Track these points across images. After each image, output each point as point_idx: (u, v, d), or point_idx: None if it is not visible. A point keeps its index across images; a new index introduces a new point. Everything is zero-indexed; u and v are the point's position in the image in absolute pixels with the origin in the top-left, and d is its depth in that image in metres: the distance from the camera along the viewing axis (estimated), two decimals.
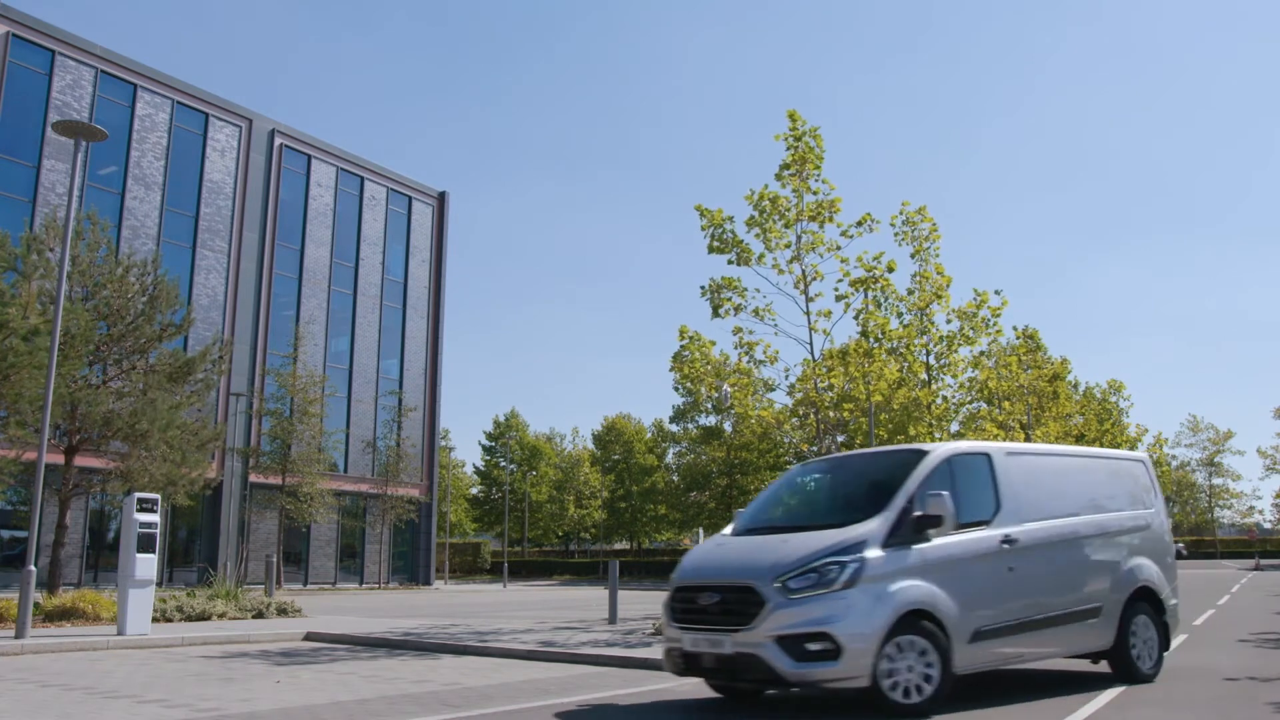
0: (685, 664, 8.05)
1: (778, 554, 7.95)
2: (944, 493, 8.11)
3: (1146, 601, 9.70)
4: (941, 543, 8.12)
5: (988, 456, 9.09)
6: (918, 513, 8.05)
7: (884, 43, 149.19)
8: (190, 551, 37.81)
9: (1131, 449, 48.89)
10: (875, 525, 7.96)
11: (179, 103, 37.87)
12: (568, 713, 8.19)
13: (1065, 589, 9.02)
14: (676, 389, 60.55)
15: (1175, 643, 13.55)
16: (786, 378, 17.82)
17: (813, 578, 7.66)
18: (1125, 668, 9.44)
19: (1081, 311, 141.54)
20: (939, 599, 7.88)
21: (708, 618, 7.90)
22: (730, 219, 17.06)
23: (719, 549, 8.58)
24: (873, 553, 7.80)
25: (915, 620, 7.72)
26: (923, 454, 8.76)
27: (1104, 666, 9.88)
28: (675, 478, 65.94)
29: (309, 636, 15.19)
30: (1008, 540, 8.58)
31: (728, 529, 9.19)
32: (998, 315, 22.74)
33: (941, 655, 7.74)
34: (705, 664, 7.90)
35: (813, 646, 7.43)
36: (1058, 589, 8.93)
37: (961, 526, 8.37)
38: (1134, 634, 9.48)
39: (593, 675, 10.71)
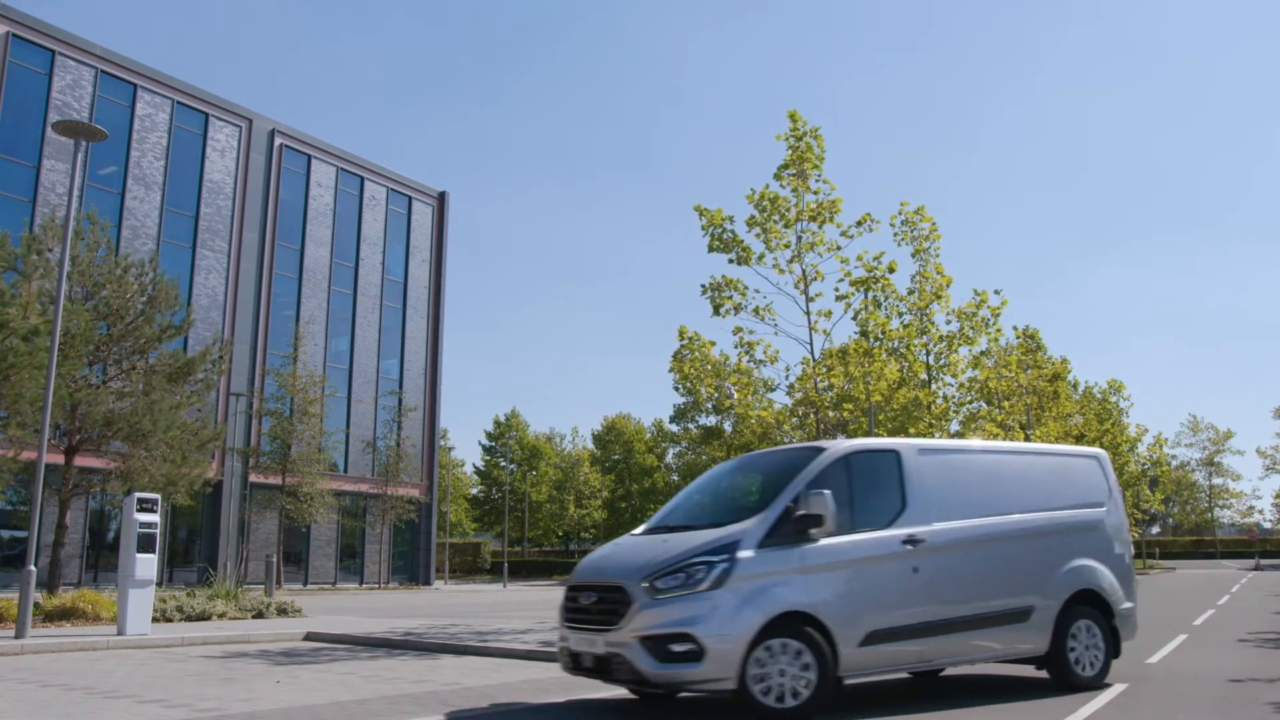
0: (572, 663, 8.06)
1: (653, 554, 7.88)
2: (825, 492, 7.84)
3: (1091, 605, 9.26)
4: (830, 543, 7.91)
5: (896, 454, 8.78)
6: (800, 512, 7.82)
7: (884, 43, 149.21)
8: (190, 551, 37.81)
9: (1132, 449, 48.95)
10: (752, 525, 7.82)
11: (179, 103, 37.87)
12: (568, 712, 8.19)
13: (986, 591, 8.65)
14: (677, 389, 60.63)
15: (1175, 643, 13.59)
16: (786, 377, 17.85)
17: (680, 578, 7.56)
18: (1062, 674, 9.00)
19: (1081, 311, 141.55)
20: (821, 601, 7.68)
21: (588, 617, 7.90)
22: (730, 219, 17.08)
23: (614, 548, 8.49)
24: (745, 553, 7.64)
25: (791, 623, 7.52)
26: (818, 451, 8.49)
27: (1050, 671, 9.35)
28: (675, 477, 65.97)
29: (309, 636, 15.18)
30: (911, 540, 8.30)
31: (639, 528, 9.05)
32: (997, 315, 22.76)
33: (820, 659, 7.52)
34: (584, 663, 7.88)
35: (676, 648, 7.32)
36: (977, 591, 8.58)
37: (860, 526, 8.21)
38: (1074, 639, 9.06)
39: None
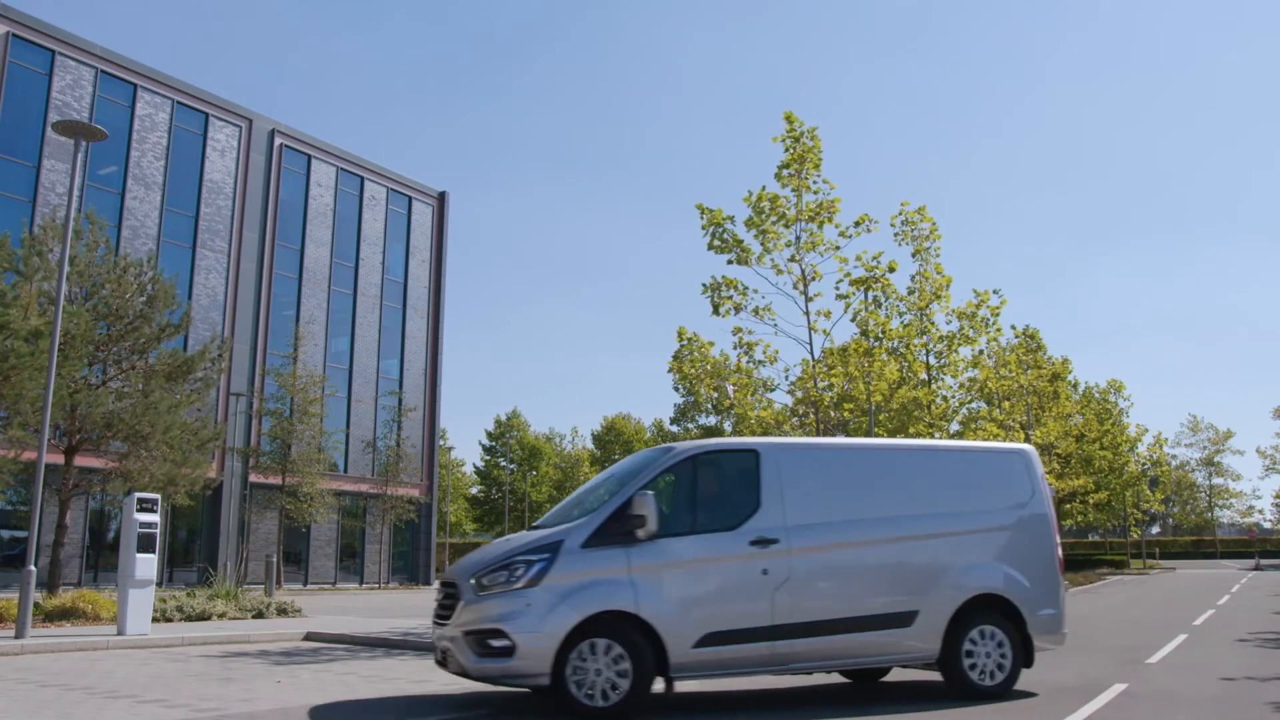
0: (439, 656, 8.38)
1: (490, 552, 8.15)
2: (648, 493, 7.89)
3: (997, 610, 8.75)
4: (663, 544, 7.93)
5: (755, 454, 8.61)
6: (629, 513, 7.87)
7: (884, 43, 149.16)
8: (190, 551, 37.81)
9: (1132, 449, 48.92)
10: (579, 524, 7.97)
11: (179, 103, 37.87)
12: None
13: (858, 594, 8.39)
14: (676, 389, 60.58)
15: (1175, 643, 13.59)
16: (786, 378, 17.86)
17: (503, 575, 7.77)
18: (957, 681, 8.60)
19: (1081, 311, 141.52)
20: (648, 600, 7.70)
21: (440, 612, 8.34)
22: (730, 219, 17.09)
23: (489, 545, 8.65)
24: (567, 553, 7.79)
25: (610, 622, 7.60)
26: (666, 452, 8.50)
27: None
28: None
29: (309, 636, 15.19)
30: (761, 541, 8.16)
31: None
32: (997, 315, 22.77)
33: (637, 660, 7.57)
34: (438, 657, 8.38)
35: (494, 643, 7.56)
36: (845, 593, 8.35)
37: (702, 527, 8.24)
38: (973, 645, 8.61)
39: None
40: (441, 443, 60.28)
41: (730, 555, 8.12)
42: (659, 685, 8.07)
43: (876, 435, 20.15)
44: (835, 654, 8.32)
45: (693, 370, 17.16)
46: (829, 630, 8.22)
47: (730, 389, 17.27)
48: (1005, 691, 8.63)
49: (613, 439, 74.15)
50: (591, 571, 7.76)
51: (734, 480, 8.64)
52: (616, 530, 7.89)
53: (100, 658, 12.08)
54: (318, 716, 7.88)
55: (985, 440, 25.17)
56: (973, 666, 8.61)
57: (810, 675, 9.70)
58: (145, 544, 14.53)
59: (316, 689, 9.46)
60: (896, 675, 10.29)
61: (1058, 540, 9.30)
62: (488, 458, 75.47)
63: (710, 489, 8.61)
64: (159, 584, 17.45)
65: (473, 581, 7.89)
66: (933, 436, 21.57)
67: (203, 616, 17.07)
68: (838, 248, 17.07)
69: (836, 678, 10.28)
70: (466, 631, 7.75)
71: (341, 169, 44.52)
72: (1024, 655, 8.83)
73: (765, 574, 8.09)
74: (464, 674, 7.85)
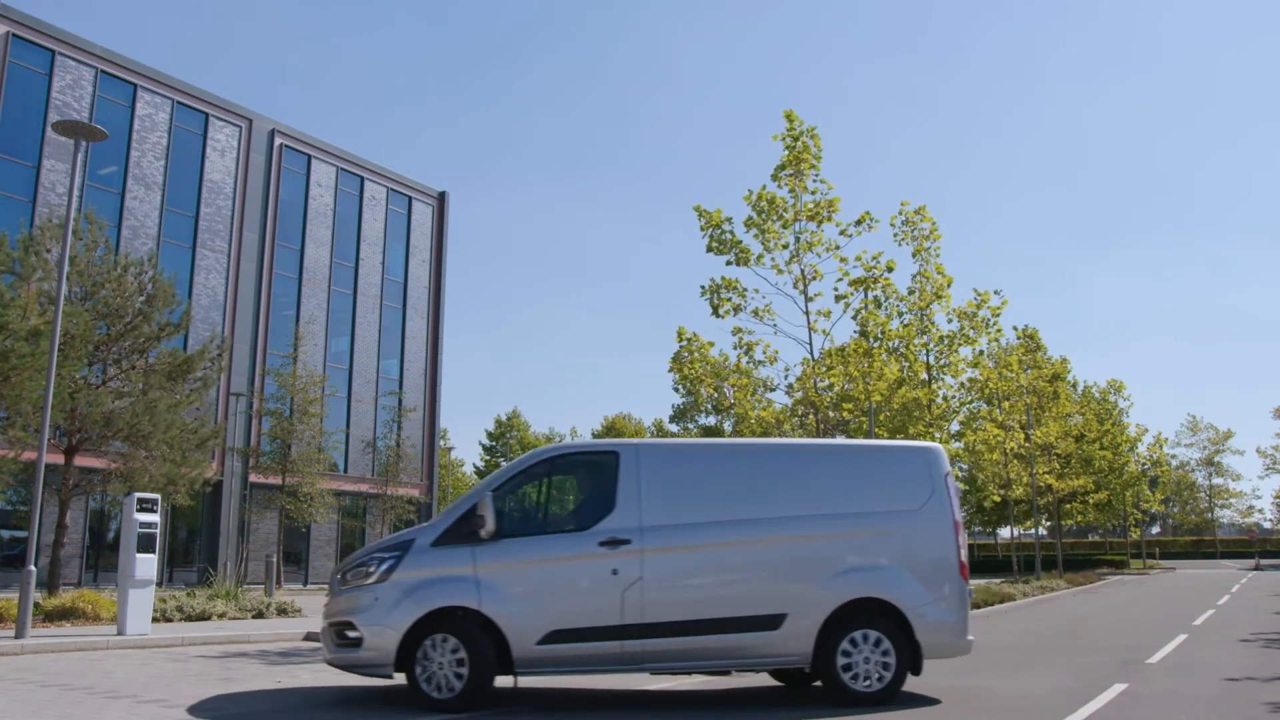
0: None
1: (362, 549, 8.84)
2: (488, 494, 8.18)
3: (881, 614, 8.41)
4: (509, 543, 8.21)
5: (615, 455, 8.68)
6: (476, 513, 8.17)
7: (884, 43, 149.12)
8: (190, 551, 37.81)
9: (1132, 449, 48.90)
10: (433, 523, 8.41)
11: (179, 103, 37.86)
12: (564, 710, 8.19)
13: (719, 595, 8.30)
14: (676, 389, 60.60)
15: (1175, 643, 13.58)
16: (786, 378, 17.86)
17: (361, 571, 8.33)
18: (833, 687, 8.32)
19: (1081, 311, 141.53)
20: (490, 598, 7.98)
21: None
22: (729, 220, 17.08)
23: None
24: (416, 550, 8.22)
25: (451, 618, 7.93)
26: (532, 454, 8.77)
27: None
28: None
29: (309, 636, 15.18)
30: (611, 542, 8.22)
31: None
32: (998, 315, 22.78)
33: (475, 654, 7.89)
34: None
35: (348, 634, 8.15)
36: (704, 595, 8.28)
37: (553, 528, 8.60)
38: (851, 649, 8.30)
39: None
40: (442, 443, 60.30)
41: (578, 555, 8.25)
42: (509, 680, 8.36)
43: (877, 435, 20.14)
44: (694, 654, 8.26)
45: (693, 371, 17.15)
46: (685, 631, 8.18)
47: (729, 390, 17.26)
48: (887, 698, 8.24)
49: (613, 439, 74.30)
50: (437, 569, 8.13)
51: (591, 481, 8.81)
52: (465, 530, 8.21)
53: (100, 658, 12.07)
54: (324, 713, 7.88)
55: (985, 439, 25.20)
56: (848, 670, 8.27)
57: (730, 675, 9.46)
58: (145, 544, 14.52)
59: (317, 689, 9.46)
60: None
61: (960, 543, 8.74)
62: (488, 458, 75.48)
63: (566, 490, 8.96)
64: (159, 584, 17.44)
65: (338, 576, 8.52)
66: (932, 436, 21.57)
67: (203, 616, 17.07)
68: (838, 247, 17.07)
69: (766, 678, 10.10)
70: (329, 623, 8.37)
71: (341, 169, 44.51)
72: (911, 662, 8.42)
73: (615, 574, 8.16)
74: (329, 663, 8.41)
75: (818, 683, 9.22)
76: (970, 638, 8.73)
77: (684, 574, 8.31)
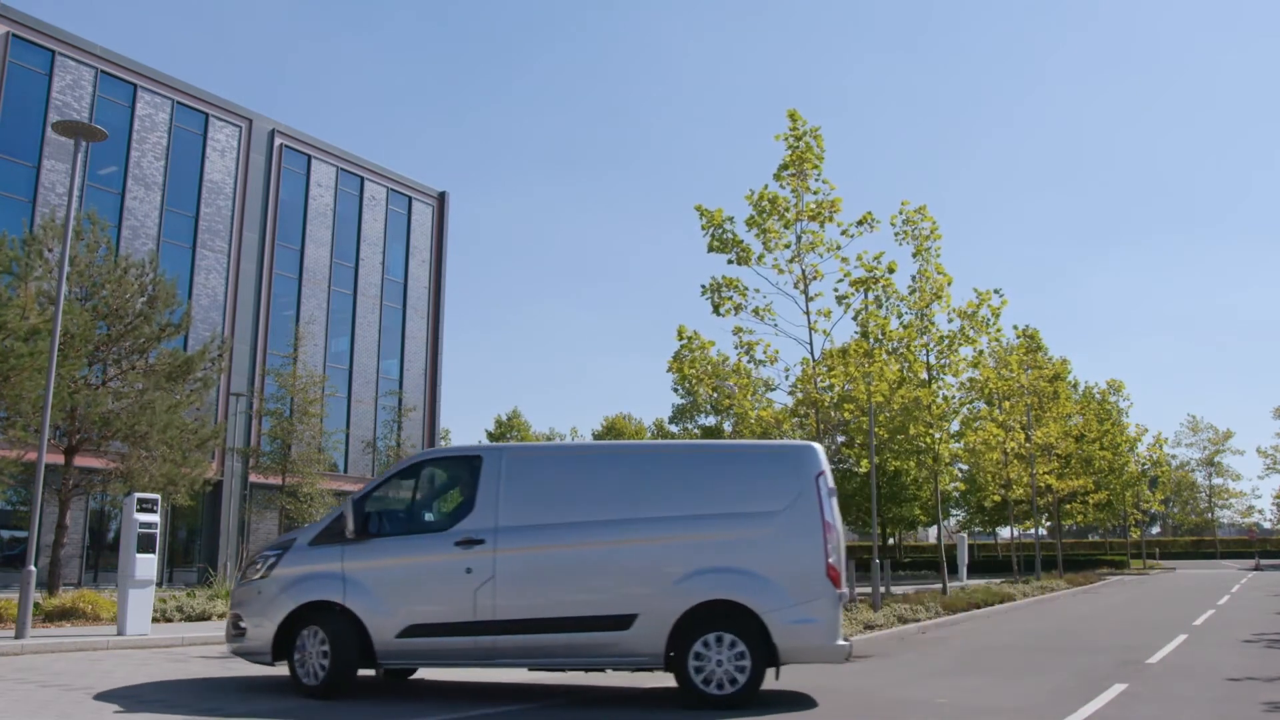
0: None
1: (263, 546, 9.55)
2: (350, 498, 8.85)
3: (734, 617, 8.27)
4: (377, 542, 8.80)
5: (478, 459, 9.04)
6: (344, 514, 8.84)
7: (884, 43, 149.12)
8: (190, 551, 37.80)
9: (1132, 449, 48.88)
10: (316, 524, 9.18)
11: (179, 103, 37.84)
12: (563, 709, 8.19)
13: (569, 594, 8.46)
14: (676, 389, 60.55)
15: (1175, 643, 13.57)
16: (786, 378, 17.83)
17: (253, 568, 9.22)
18: (685, 688, 8.27)
19: (1081, 311, 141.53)
20: (351, 594, 8.60)
21: None
22: (730, 219, 17.06)
23: None
24: (296, 549, 8.99)
25: (320, 611, 8.62)
26: (405, 460, 9.44)
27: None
28: None
29: None
30: (467, 542, 8.57)
31: None
32: (998, 315, 22.77)
33: (338, 645, 8.49)
34: None
35: (239, 625, 9.06)
36: (554, 594, 8.46)
37: (416, 528, 9.09)
38: (704, 650, 8.22)
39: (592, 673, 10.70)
40: (442, 443, 60.27)
41: (436, 554, 8.66)
42: (372, 671, 9.08)
43: (878, 435, 20.13)
44: (545, 651, 8.48)
45: (693, 370, 17.13)
46: (537, 629, 8.42)
47: (732, 387, 17.24)
48: (741, 703, 8.09)
49: (613, 439, 74.20)
50: (311, 566, 8.83)
51: (455, 484, 9.28)
52: (338, 530, 8.86)
53: (100, 658, 12.07)
54: (330, 711, 7.88)
55: (985, 439, 25.20)
56: (700, 673, 8.21)
57: (604, 672, 9.54)
58: (145, 544, 14.51)
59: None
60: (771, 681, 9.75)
61: (830, 545, 8.43)
62: None
63: (430, 492, 9.43)
64: (159, 584, 17.43)
65: (240, 573, 9.33)
66: (932, 436, 21.57)
67: (203, 617, 17.06)
68: (839, 247, 17.05)
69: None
70: (229, 615, 9.32)
71: (341, 169, 44.50)
72: (766, 663, 8.29)
73: (469, 572, 8.52)
74: (230, 652, 9.27)
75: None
76: (842, 643, 8.43)
77: (536, 573, 8.53)
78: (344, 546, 8.78)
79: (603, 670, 8.97)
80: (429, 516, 9.27)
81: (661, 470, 8.95)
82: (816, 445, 8.91)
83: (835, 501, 8.65)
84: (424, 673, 10.68)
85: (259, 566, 9.08)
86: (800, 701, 8.56)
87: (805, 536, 8.43)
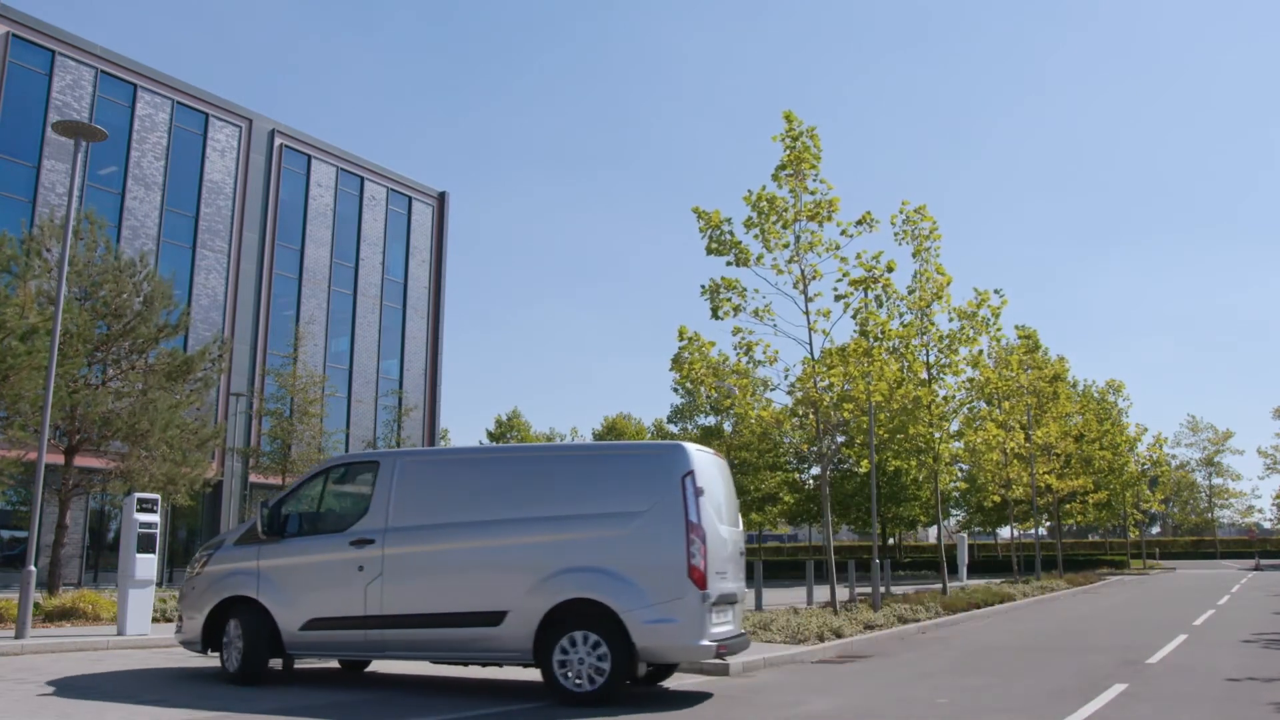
0: None
1: (203, 545, 10.51)
2: (262, 503, 9.66)
3: (596, 616, 8.41)
4: (288, 543, 9.63)
5: (376, 464, 9.74)
6: (261, 517, 9.77)
7: (885, 43, 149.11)
8: (190, 551, 37.73)
9: (1131, 449, 48.87)
10: (243, 525, 10.14)
11: (179, 103, 37.83)
12: (567, 713, 8.19)
13: (448, 591, 8.86)
14: (676, 389, 60.49)
15: (1175, 643, 13.56)
16: (786, 378, 17.80)
17: (192, 565, 10.27)
18: (550, 684, 8.50)
19: (1081, 311, 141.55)
20: (264, 589, 9.46)
21: None
22: (729, 221, 17.02)
23: None
24: (225, 547, 10.04)
25: (237, 605, 9.52)
26: (316, 466, 10.23)
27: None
28: None
29: None
30: (359, 542, 9.23)
31: None
32: (998, 315, 22.75)
33: (250, 636, 9.37)
34: None
35: (180, 617, 10.11)
36: (435, 591, 8.91)
37: (322, 529, 9.71)
38: (570, 647, 8.41)
39: None
40: (443, 443, 60.22)
41: (334, 553, 9.35)
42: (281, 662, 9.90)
43: (878, 435, 20.10)
44: (427, 645, 8.99)
45: (693, 371, 17.10)
46: (418, 624, 8.94)
47: (732, 388, 17.20)
48: (602, 700, 8.24)
49: (613, 439, 74.20)
50: (234, 564, 9.74)
51: (357, 488, 9.95)
52: (252, 531, 9.80)
53: (101, 658, 12.07)
54: (335, 713, 7.88)
55: (985, 439, 25.19)
56: (564, 669, 8.41)
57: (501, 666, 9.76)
58: (145, 544, 14.51)
59: (318, 689, 9.45)
60: (679, 678, 10.09)
61: (693, 545, 8.44)
62: None
63: (335, 495, 10.17)
64: (159, 584, 17.42)
65: (186, 570, 10.38)
66: (932, 436, 21.55)
67: None
68: (838, 247, 17.01)
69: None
70: (178, 610, 10.26)
71: (341, 169, 44.50)
72: (626, 664, 8.33)
73: (361, 570, 9.17)
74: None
75: (667, 682, 9.70)
76: (706, 643, 8.40)
77: (419, 571, 9.05)
78: (260, 546, 9.69)
79: (483, 665, 9.42)
80: (334, 518, 9.90)
81: (539, 473, 9.30)
82: (687, 446, 8.96)
83: (704, 501, 8.67)
84: (425, 669, 10.79)
85: (196, 563, 10.12)
86: (685, 700, 8.75)
87: (667, 537, 8.50)
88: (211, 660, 10.69)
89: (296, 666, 10.90)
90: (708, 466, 9.10)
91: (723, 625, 8.78)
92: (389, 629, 9.01)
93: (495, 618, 8.67)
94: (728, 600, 8.91)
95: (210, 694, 8.84)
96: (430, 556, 9.05)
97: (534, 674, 10.15)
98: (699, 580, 8.38)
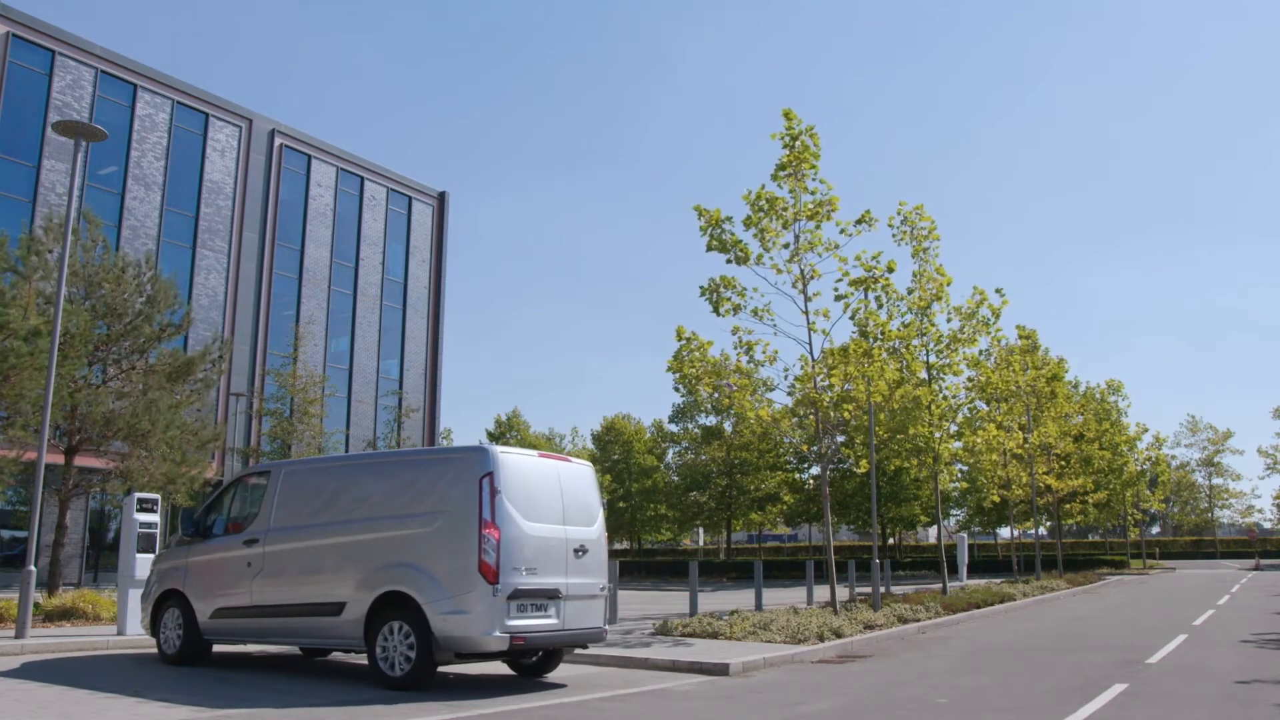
0: None
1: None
2: (191, 509, 10.56)
3: (405, 607, 9.12)
4: (207, 542, 11.18)
5: (269, 473, 11.11)
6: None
7: (884, 43, 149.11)
8: None
9: (1131, 448, 48.88)
10: (183, 530, 11.61)
11: (179, 103, 37.83)
12: (563, 712, 8.19)
13: (307, 585, 10.02)
14: (676, 389, 60.45)
15: (1175, 643, 13.57)
16: (786, 377, 17.77)
17: (154, 563, 12.10)
18: (372, 669, 9.34)
19: (1081, 311, 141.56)
20: (189, 583, 11.04)
21: None
22: (729, 219, 17.00)
23: None
24: (171, 547, 11.73)
25: (173, 597, 11.11)
26: (233, 477, 11.45)
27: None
28: (675, 477, 65.87)
29: None
30: (249, 542, 10.61)
31: None
32: (998, 315, 22.72)
33: (185, 624, 10.95)
34: None
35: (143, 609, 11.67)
36: (299, 584, 10.09)
37: (233, 530, 11.06)
38: (385, 637, 9.23)
39: (591, 675, 10.72)
40: (443, 442, 60.23)
41: (233, 551, 10.76)
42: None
43: (877, 435, 20.10)
44: (293, 633, 10.23)
45: (692, 370, 17.09)
46: (286, 613, 10.14)
47: (731, 385, 17.17)
48: (410, 685, 9.00)
49: (612, 439, 74.03)
50: (174, 562, 11.39)
51: (257, 494, 11.16)
52: (192, 533, 11.38)
53: (101, 658, 12.06)
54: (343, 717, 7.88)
55: (986, 440, 25.19)
56: (382, 656, 9.23)
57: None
58: (145, 544, 14.52)
59: (320, 689, 9.44)
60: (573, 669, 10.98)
61: (485, 542, 8.94)
62: None
63: (246, 502, 11.37)
64: None
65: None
66: (932, 436, 21.54)
67: None
68: (837, 246, 16.99)
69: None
70: None
71: (341, 169, 44.50)
72: (424, 654, 8.97)
73: (249, 566, 10.53)
74: None
75: (552, 675, 10.43)
76: (498, 634, 8.88)
77: (285, 567, 10.27)
78: (190, 545, 11.30)
79: (330, 652, 11.25)
80: (241, 521, 11.15)
81: (375, 476, 10.28)
82: (489, 448, 9.60)
83: (503, 500, 9.16)
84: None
85: (154, 561, 11.93)
86: (523, 688, 9.51)
87: (463, 534, 9.11)
88: (218, 657, 11.74)
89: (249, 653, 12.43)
90: (523, 468, 9.64)
91: (532, 619, 9.23)
92: (267, 618, 10.30)
93: (337, 609, 9.64)
94: (544, 595, 9.34)
95: (212, 691, 9.00)
96: (294, 553, 10.23)
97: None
98: (489, 574, 8.95)
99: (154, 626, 11.34)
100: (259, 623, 10.40)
